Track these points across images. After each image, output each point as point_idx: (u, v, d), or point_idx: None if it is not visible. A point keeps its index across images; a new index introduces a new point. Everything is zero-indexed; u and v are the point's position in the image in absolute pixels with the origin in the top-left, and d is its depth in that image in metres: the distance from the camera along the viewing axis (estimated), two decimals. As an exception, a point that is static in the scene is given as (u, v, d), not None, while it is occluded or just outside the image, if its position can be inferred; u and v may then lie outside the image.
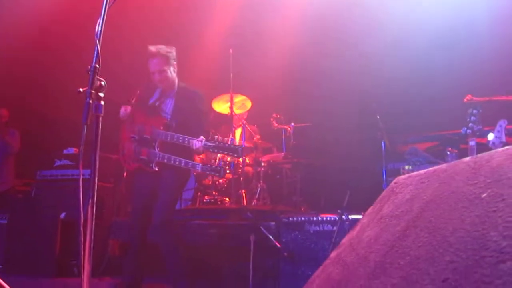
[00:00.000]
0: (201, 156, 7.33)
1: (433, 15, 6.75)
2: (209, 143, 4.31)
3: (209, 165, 4.43)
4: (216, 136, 4.33)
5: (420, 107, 6.96)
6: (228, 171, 7.10)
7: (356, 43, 7.28)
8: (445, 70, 6.78)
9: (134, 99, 4.90)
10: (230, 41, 7.42)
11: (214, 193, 7.01)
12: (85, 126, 2.30)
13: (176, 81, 4.82)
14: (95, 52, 2.40)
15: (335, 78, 7.48)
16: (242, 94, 7.58)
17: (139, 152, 4.62)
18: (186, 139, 4.42)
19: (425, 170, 1.61)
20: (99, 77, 2.39)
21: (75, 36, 7.07)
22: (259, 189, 7.07)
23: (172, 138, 4.48)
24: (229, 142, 4.27)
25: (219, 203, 6.88)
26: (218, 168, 4.36)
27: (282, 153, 7.59)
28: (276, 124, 7.59)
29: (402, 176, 1.68)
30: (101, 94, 2.40)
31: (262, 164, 7.21)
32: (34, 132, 8.07)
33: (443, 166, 1.56)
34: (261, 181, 7.12)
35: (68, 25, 7.29)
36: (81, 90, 2.36)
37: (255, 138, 7.59)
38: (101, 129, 2.43)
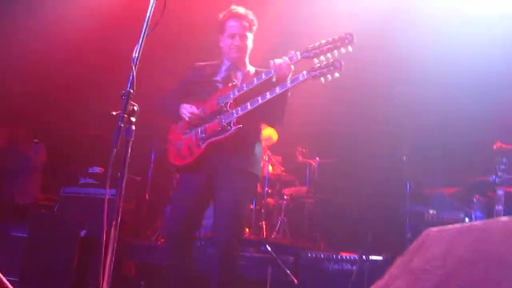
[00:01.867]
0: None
1: (463, 62, 6.71)
2: (309, 47, 3.41)
3: (316, 68, 3.40)
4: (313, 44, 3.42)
5: (447, 150, 6.88)
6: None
7: (384, 86, 7.27)
8: (475, 115, 6.70)
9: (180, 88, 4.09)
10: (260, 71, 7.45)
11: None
12: (115, 150, 2.32)
13: (248, 61, 4.00)
14: (130, 77, 2.44)
15: (362, 117, 7.46)
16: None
17: (203, 131, 3.73)
18: (264, 72, 3.59)
19: (459, 225, 1.57)
20: (132, 102, 2.43)
21: (107, 60, 7.23)
22: (279, 222, 7.03)
23: (251, 84, 3.62)
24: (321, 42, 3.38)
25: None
26: (330, 61, 3.36)
27: (305, 187, 7.56)
28: (301, 158, 7.57)
29: (434, 228, 1.65)
30: (133, 119, 2.43)
31: (284, 196, 7.17)
32: (61, 149, 8.18)
33: (479, 223, 1.53)
34: (282, 214, 7.08)
35: (101, 50, 7.45)
36: (114, 113, 2.40)
37: (278, 170, 7.57)
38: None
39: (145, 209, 7.15)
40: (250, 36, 3.89)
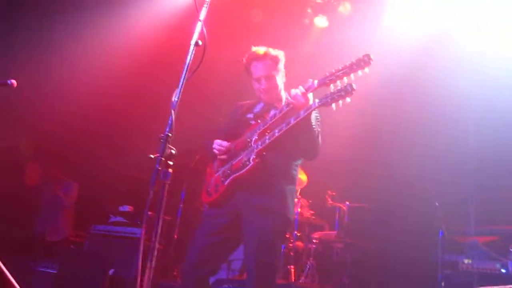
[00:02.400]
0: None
1: (499, 100, 6.61)
2: (325, 76, 3.35)
3: (327, 95, 3.29)
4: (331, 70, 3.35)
5: (483, 197, 6.74)
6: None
7: (418, 128, 7.21)
8: (510, 161, 6.58)
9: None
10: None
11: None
12: (152, 191, 2.35)
13: (285, 95, 3.80)
14: (169, 121, 2.48)
15: (394, 161, 7.39)
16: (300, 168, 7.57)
17: (229, 168, 3.67)
18: (283, 106, 3.54)
19: (508, 286, 1.53)
20: (170, 146, 2.46)
21: (142, 103, 7.37)
22: (308, 266, 6.93)
23: (272, 117, 3.57)
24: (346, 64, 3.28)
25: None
26: (343, 86, 3.22)
27: (335, 232, 7.46)
28: (330, 202, 7.50)
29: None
30: (170, 162, 2.46)
31: (314, 240, 7.09)
32: (93, 186, 8.29)
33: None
34: (311, 258, 6.98)
35: (138, 93, 7.60)
36: (152, 156, 2.43)
37: (308, 214, 7.51)
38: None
39: (173, 249, 7.13)
40: (277, 74, 3.81)
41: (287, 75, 3.93)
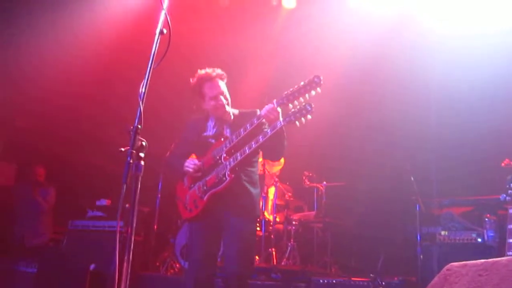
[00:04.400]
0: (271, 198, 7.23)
1: (471, 77, 6.72)
2: (283, 95, 3.73)
3: (290, 114, 3.68)
4: (286, 91, 3.73)
5: (456, 170, 6.84)
6: (259, 227, 7.06)
7: (391, 104, 7.27)
8: (483, 133, 6.69)
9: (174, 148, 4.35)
10: (265, 100, 7.47)
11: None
12: (125, 185, 2.32)
13: (231, 110, 4.21)
14: (138, 113, 2.44)
15: (369, 139, 7.46)
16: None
17: (204, 185, 4.00)
18: (251, 121, 3.86)
19: (482, 261, 1.54)
20: (140, 138, 2.43)
21: (113, 95, 7.28)
22: (289, 248, 6.97)
23: (237, 135, 3.92)
24: (301, 83, 3.68)
25: (249, 261, 6.79)
26: (303, 105, 3.64)
27: (313, 212, 7.52)
28: (308, 182, 7.54)
29: (456, 264, 1.62)
30: (142, 154, 2.44)
31: (293, 222, 7.13)
32: (69, 182, 8.19)
33: (504, 260, 1.50)
34: (291, 240, 7.03)
35: (108, 85, 7.51)
36: (122, 149, 2.40)
37: (286, 196, 7.55)
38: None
39: (153, 240, 7.11)
40: (226, 89, 4.14)
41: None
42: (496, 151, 6.11)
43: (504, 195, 4.50)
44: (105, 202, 6.84)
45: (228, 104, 4.13)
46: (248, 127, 3.86)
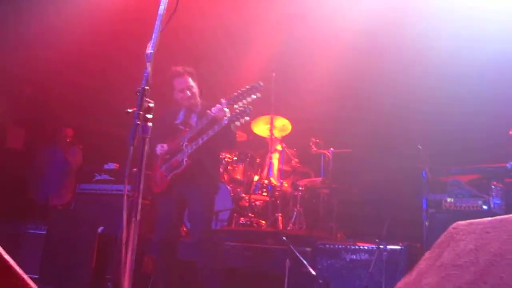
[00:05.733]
0: (238, 176, 7.35)
1: (478, 48, 6.63)
2: (229, 99, 4.47)
3: (233, 113, 4.45)
4: (235, 92, 4.48)
5: (464, 138, 6.81)
6: (265, 193, 7.10)
7: (400, 72, 7.19)
8: (490, 101, 6.63)
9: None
10: (273, 65, 7.44)
11: (250, 215, 6.99)
12: (132, 147, 2.32)
13: (199, 99, 5.02)
14: (145, 74, 2.43)
15: (377, 105, 7.41)
16: (283, 116, 7.59)
17: (170, 166, 4.83)
18: (205, 117, 4.61)
19: (489, 218, 1.53)
20: (147, 99, 2.42)
21: (120, 57, 7.24)
22: (295, 213, 7.02)
23: (197, 127, 4.69)
24: (245, 87, 4.45)
25: (255, 225, 6.86)
26: (242, 109, 4.39)
27: (320, 178, 7.53)
28: (315, 149, 7.53)
29: (462, 222, 1.61)
30: (149, 116, 2.43)
31: (300, 188, 7.16)
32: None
33: (511, 217, 1.49)
34: (298, 205, 7.06)
35: (115, 47, 7.46)
36: (129, 111, 2.40)
37: (293, 162, 7.57)
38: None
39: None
40: (194, 83, 4.92)
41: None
42: (504, 119, 6.06)
43: (511, 163, 4.49)
44: (113, 165, 6.86)
45: (193, 97, 4.89)
46: (204, 121, 4.63)
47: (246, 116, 4.37)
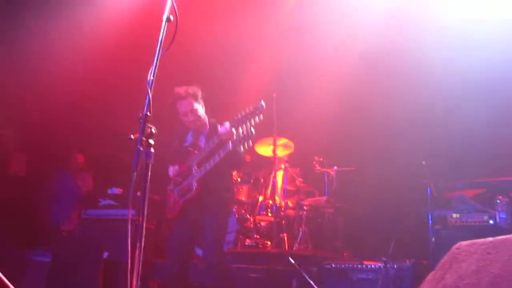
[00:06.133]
0: (242, 198, 7.35)
1: (482, 62, 6.64)
2: (234, 120, 4.33)
3: (236, 138, 4.31)
4: (238, 114, 4.34)
5: (468, 152, 6.81)
6: (270, 213, 7.09)
7: (402, 89, 7.21)
8: (494, 115, 6.63)
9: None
10: (274, 84, 7.48)
11: (255, 236, 6.97)
12: (135, 173, 2.33)
13: (207, 118, 4.91)
14: (147, 100, 2.45)
15: (380, 122, 7.42)
16: (285, 137, 7.61)
17: (181, 190, 4.75)
18: (214, 138, 4.52)
19: (491, 239, 1.53)
20: (149, 125, 2.44)
21: (125, 83, 7.30)
22: (301, 233, 7.00)
23: (205, 150, 4.62)
24: (250, 107, 4.30)
25: (261, 246, 6.83)
26: (245, 134, 4.23)
27: (325, 197, 7.52)
28: (318, 168, 7.54)
29: (465, 243, 1.61)
30: (151, 141, 2.45)
31: (304, 207, 7.15)
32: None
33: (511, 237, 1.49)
34: (303, 225, 7.05)
35: (119, 72, 7.52)
36: (132, 137, 2.41)
37: (297, 181, 7.57)
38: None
39: (165, 229, 7.15)
40: (199, 106, 4.79)
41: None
42: (508, 133, 6.06)
43: (516, 177, 4.48)
44: (116, 190, 6.87)
45: (198, 119, 4.79)
46: (212, 143, 4.55)
47: (250, 141, 4.26)
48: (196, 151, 4.72)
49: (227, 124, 4.39)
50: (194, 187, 4.60)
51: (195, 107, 4.75)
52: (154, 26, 2.85)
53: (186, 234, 4.76)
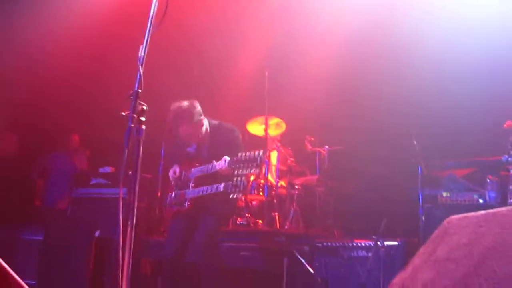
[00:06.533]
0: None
1: (472, 41, 6.66)
2: (233, 160, 4.34)
3: (230, 183, 4.38)
4: (239, 154, 4.29)
5: (458, 132, 6.84)
6: (261, 192, 7.10)
7: (393, 68, 7.21)
8: (485, 95, 6.65)
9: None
10: (265, 63, 7.45)
11: (247, 215, 6.98)
12: (127, 150, 2.32)
13: (207, 127, 4.87)
14: (138, 77, 2.43)
15: (371, 102, 7.42)
16: (277, 116, 7.59)
17: (177, 196, 4.87)
18: (211, 165, 4.56)
19: (483, 212, 1.54)
20: (140, 102, 2.42)
21: (113, 58, 7.23)
22: (292, 212, 7.02)
23: (202, 170, 4.66)
24: (251, 153, 4.26)
25: (252, 225, 6.85)
26: (238, 183, 4.29)
27: (316, 176, 7.54)
28: (310, 147, 7.55)
29: (456, 217, 1.62)
30: (143, 118, 2.43)
31: (296, 187, 7.16)
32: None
33: (504, 210, 1.50)
34: (294, 204, 7.07)
35: (109, 49, 7.45)
36: (123, 114, 2.40)
37: (289, 161, 7.57)
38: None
39: (157, 206, 7.16)
40: (196, 126, 4.74)
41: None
42: (498, 112, 6.08)
43: (506, 156, 4.52)
44: (108, 169, 6.86)
45: (195, 137, 4.82)
46: (210, 169, 4.59)
47: (240, 193, 4.31)
48: (197, 164, 4.77)
49: (225, 160, 4.40)
50: (186, 205, 4.73)
51: (191, 132, 4.78)
52: (147, 3, 2.82)
53: (182, 232, 4.83)
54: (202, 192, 4.64)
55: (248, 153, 4.23)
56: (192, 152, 4.95)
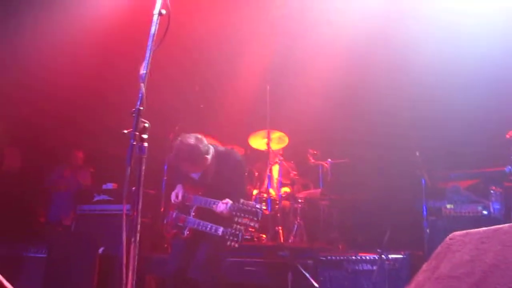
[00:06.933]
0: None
1: (475, 52, 6.67)
2: (234, 206, 4.31)
3: (229, 230, 4.30)
4: (242, 200, 4.29)
5: (461, 143, 6.83)
6: (265, 206, 7.09)
7: (395, 80, 7.23)
8: (487, 106, 6.65)
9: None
10: (267, 78, 7.48)
11: (250, 229, 6.97)
12: (129, 167, 2.33)
13: (213, 155, 4.70)
14: (140, 95, 2.44)
15: (373, 114, 7.43)
16: (279, 130, 7.60)
17: (178, 218, 4.75)
18: (212, 202, 4.50)
19: (484, 229, 1.54)
20: (143, 119, 2.43)
21: (116, 76, 7.27)
22: (296, 226, 7.00)
23: (204, 204, 4.58)
24: (252, 205, 4.29)
25: (256, 240, 6.84)
26: (237, 233, 4.24)
27: (319, 190, 7.53)
28: (312, 160, 7.55)
29: (458, 233, 1.62)
30: (145, 136, 2.44)
31: (299, 200, 7.16)
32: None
33: (505, 227, 1.50)
34: (298, 218, 7.06)
35: (111, 66, 7.49)
36: (125, 131, 2.40)
37: (291, 174, 7.56)
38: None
39: (160, 222, 7.15)
40: (200, 164, 4.60)
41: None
42: (501, 123, 6.08)
43: (509, 167, 4.51)
44: (111, 185, 6.85)
45: (198, 169, 4.69)
46: (211, 206, 4.49)
47: (236, 243, 4.25)
48: (200, 192, 4.67)
49: (227, 204, 4.37)
50: (185, 233, 4.65)
51: (196, 170, 4.73)
52: (148, 21, 2.84)
53: (183, 254, 4.74)
54: (202, 227, 4.54)
55: (249, 205, 4.26)
56: (196, 178, 4.82)
